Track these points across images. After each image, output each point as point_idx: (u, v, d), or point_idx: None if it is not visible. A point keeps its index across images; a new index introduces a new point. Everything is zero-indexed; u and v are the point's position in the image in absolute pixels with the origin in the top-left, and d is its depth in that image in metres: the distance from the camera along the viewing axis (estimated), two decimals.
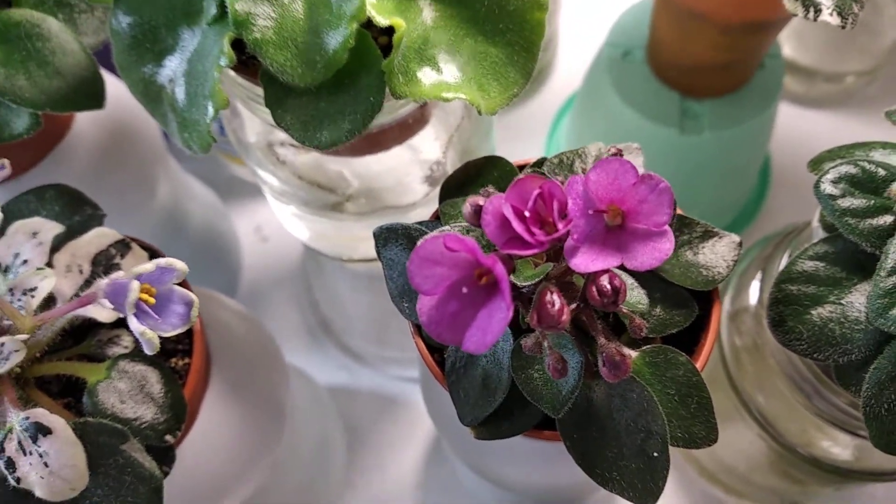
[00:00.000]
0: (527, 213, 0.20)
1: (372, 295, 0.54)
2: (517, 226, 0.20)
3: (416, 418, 0.58)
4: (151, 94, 0.33)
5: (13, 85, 0.34)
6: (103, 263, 0.32)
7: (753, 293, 0.40)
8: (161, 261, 0.26)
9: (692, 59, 0.47)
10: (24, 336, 0.28)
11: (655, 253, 0.21)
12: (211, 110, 0.29)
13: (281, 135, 0.40)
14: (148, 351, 0.25)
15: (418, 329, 0.31)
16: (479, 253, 0.19)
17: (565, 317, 0.20)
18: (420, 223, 0.31)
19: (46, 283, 0.29)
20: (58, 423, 0.28)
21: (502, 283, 0.19)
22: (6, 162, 0.29)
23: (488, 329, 0.20)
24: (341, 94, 0.29)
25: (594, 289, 0.21)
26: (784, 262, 0.38)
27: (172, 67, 0.32)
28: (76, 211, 0.33)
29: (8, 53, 0.34)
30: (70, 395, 0.32)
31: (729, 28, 0.43)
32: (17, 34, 0.35)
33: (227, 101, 0.29)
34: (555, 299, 0.21)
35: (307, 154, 0.42)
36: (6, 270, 0.31)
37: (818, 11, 0.33)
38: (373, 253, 0.44)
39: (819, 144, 0.35)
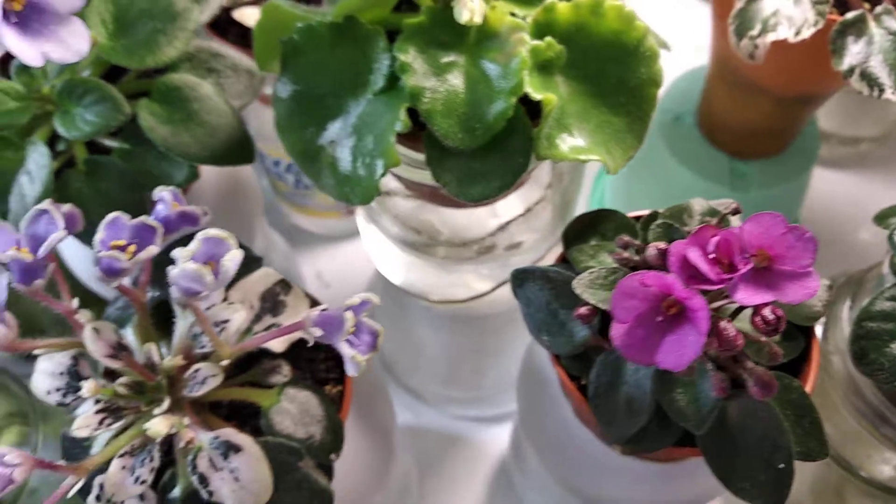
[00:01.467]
0: (711, 256, 0.25)
1: (450, 335, 0.58)
2: (704, 266, 0.25)
3: (478, 456, 0.62)
4: (310, 154, 0.37)
5: (179, 141, 0.38)
6: (270, 300, 0.36)
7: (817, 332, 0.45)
8: (362, 295, 0.30)
9: (743, 125, 0.53)
10: (225, 362, 0.31)
11: (805, 290, 0.26)
12: (381, 168, 0.34)
13: (392, 184, 0.45)
14: (353, 373, 0.29)
15: (557, 359, 0.35)
16: (678, 288, 0.24)
17: (741, 341, 0.25)
18: (553, 266, 0.36)
19: (238, 317, 0.32)
20: (246, 441, 0.32)
21: (700, 312, 0.24)
22: (207, 209, 0.33)
23: (684, 351, 0.24)
24: (493, 155, 0.34)
25: (759, 318, 0.26)
26: (846, 306, 0.43)
27: (335, 131, 0.36)
28: None
29: (171, 113, 0.39)
30: (234, 418, 0.36)
31: (783, 99, 0.49)
32: (178, 96, 0.39)
33: (398, 160, 0.33)
34: (728, 327, 0.25)
35: (408, 202, 0.47)
36: (184, 307, 0.35)
37: (882, 90, 0.39)
38: (461, 295, 0.49)
39: (838, 201, 0.40)
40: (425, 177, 0.39)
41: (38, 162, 0.37)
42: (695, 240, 0.25)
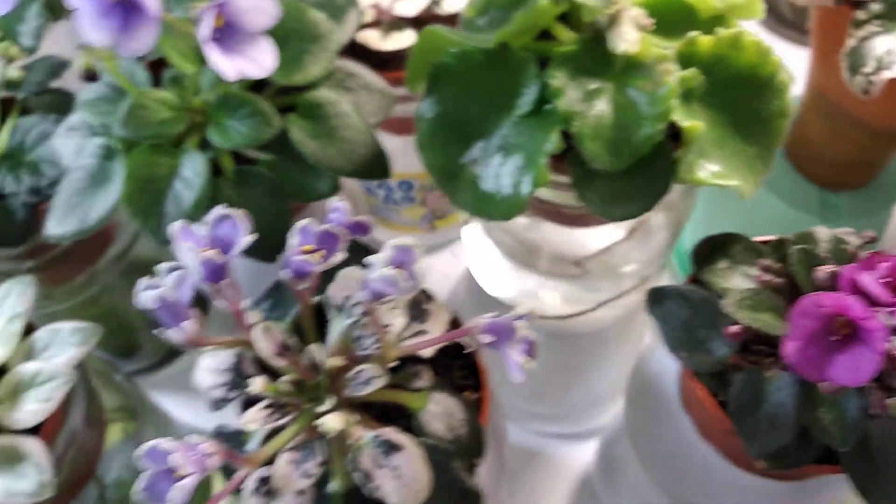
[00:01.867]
0: (882, 280, 0.27)
1: (542, 351, 0.59)
2: (876, 290, 0.26)
3: (559, 472, 0.63)
4: (450, 172, 0.39)
5: (326, 155, 0.40)
6: (416, 308, 0.38)
7: None
8: (525, 308, 0.31)
9: (836, 157, 0.55)
10: (391, 364, 0.33)
11: None
12: (530, 186, 0.36)
13: None
14: (519, 379, 0.31)
15: (694, 375, 0.36)
16: (856, 309, 0.26)
17: None
18: (687, 286, 0.37)
19: (399, 322, 0.34)
20: (406, 441, 0.33)
21: (877, 332, 0.25)
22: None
23: (861, 369, 0.26)
24: (637, 178, 0.36)
25: None
26: None
27: (478, 150, 0.38)
28: None
29: (315, 128, 0.41)
30: (381, 419, 0.37)
31: (881, 133, 0.50)
32: (321, 113, 0.41)
33: (547, 178, 0.35)
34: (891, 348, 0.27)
35: (522, 219, 0.49)
36: (341, 310, 0.36)
37: None
38: (561, 311, 0.50)
39: None
40: (558, 196, 0.41)
41: (193, 169, 0.39)
42: (866, 265, 0.27)
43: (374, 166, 0.41)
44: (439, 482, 0.34)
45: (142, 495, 0.29)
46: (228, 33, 0.31)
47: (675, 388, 0.43)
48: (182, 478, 0.28)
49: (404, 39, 0.52)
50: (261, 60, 0.32)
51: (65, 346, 0.43)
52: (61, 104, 0.52)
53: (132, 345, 0.67)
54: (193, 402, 0.68)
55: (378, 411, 0.37)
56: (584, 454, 0.65)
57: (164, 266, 0.32)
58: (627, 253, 0.48)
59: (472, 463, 0.36)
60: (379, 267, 0.28)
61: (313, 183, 0.41)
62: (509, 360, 0.30)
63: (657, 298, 0.37)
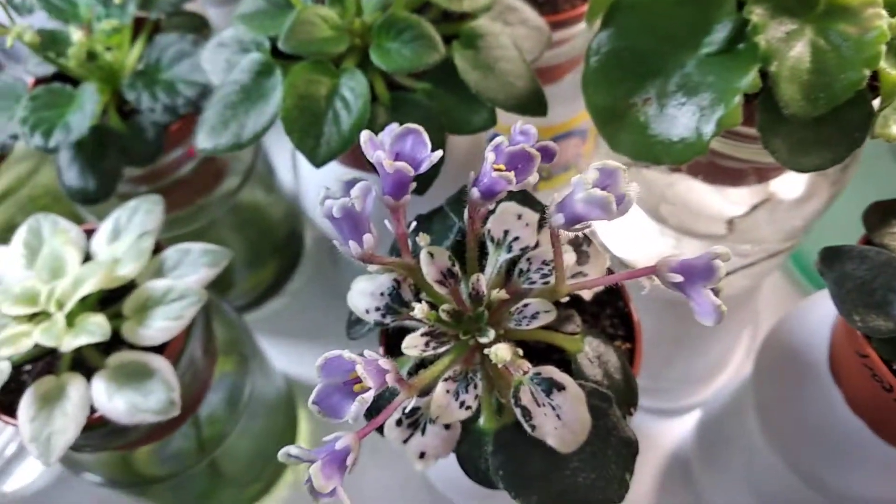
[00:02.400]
0: None
1: (654, 320, 0.57)
2: None
3: (650, 447, 0.61)
4: (615, 111, 0.37)
5: (487, 86, 0.39)
6: (575, 246, 0.36)
7: None
8: (717, 249, 0.29)
9: None
10: (564, 299, 0.31)
11: None
12: (715, 127, 0.34)
13: None
14: (711, 322, 0.29)
15: (868, 340, 0.34)
16: None
17: None
18: (864, 246, 0.35)
19: (569, 257, 0.33)
20: (568, 381, 0.32)
21: None
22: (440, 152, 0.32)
23: None
24: (830, 127, 0.34)
25: None
26: None
27: (653, 88, 0.36)
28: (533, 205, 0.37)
29: (476, 58, 0.39)
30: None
31: None
32: (482, 43, 0.40)
33: (738, 120, 0.33)
34: None
35: (666, 175, 0.47)
36: (498, 244, 0.35)
37: None
38: None
39: None
40: (725, 146, 0.39)
41: (354, 90, 0.37)
42: None
43: (532, 102, 0.40)
44: (597, 427, 0.32)
45: (316, 408, 0.28)
46: None
47: (824, 357, 0.41)
48: (360, 392, 0.27)
49: None
50: None
51: (195, 266, 0.43)
52: (193, 26, 0.51)
53: (227, 284, 0.67)
54: (278, 345, 0.68)
55: (526, 353, 0.36)
56: (676, 430, 0.64)
57: (342, 178, 0.31)
58: (790, 217, 0.46)
59: (627, 411, 0.34)
60: (584, 188, 0.27)
61: (470, 115, 0.39)
62: (702, 302, 0.28)
63: (832, 258, 0.35)
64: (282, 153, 0.69)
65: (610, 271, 0.37)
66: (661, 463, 0.61)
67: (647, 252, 0.50)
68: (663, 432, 0.63)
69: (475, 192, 0.29)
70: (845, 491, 0.41)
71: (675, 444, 0.62)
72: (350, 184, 0.30)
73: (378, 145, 0.30)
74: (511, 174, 0.28)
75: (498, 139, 0.29)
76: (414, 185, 0.30)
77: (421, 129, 0.30)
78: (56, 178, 0.66)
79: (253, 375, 0.54)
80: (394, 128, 0.31)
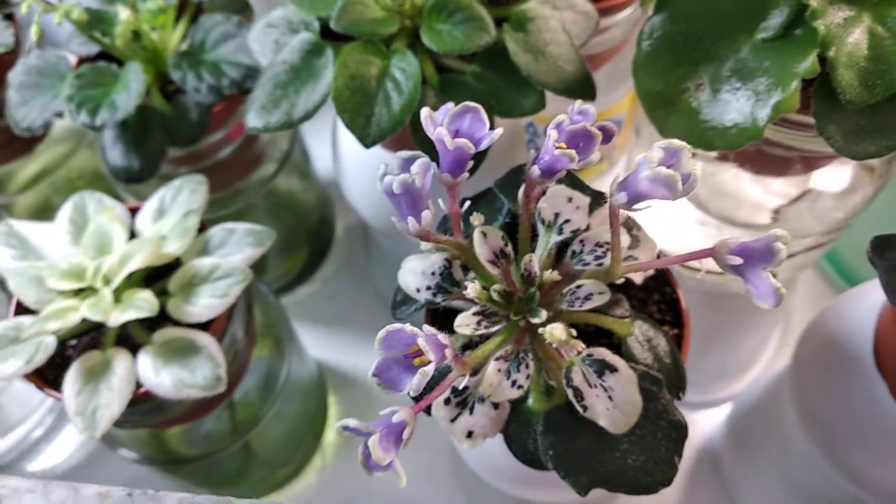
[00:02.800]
0: None
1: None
2: None
3: None
4: (666, 96, 0.37)
5: (538, 69, 0.39)
6: (626, 230, 0.36)
7: None
8: (777, 232, 0.29)
9: None
10: (618, 280, 0.31)
11: None
12: (770, 113, 0.34)
13: None
14: (769, 305, 0.29)
15: None
16: None
17: None
18: None
19: (624, 239, 0.33)
20: (620, 363, 0.32)
21: None
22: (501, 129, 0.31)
23: None
24: (883, 115, 0.34)
25: None
26: None
27: (707, 73, 0.36)
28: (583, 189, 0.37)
29: (526, 41, 0.39)
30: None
31: None
32: (533, 27, 0.40)
33: (795, 105, 0.33)
34: None
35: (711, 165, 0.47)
36: (549, 227, 0.35)
37: None
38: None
39: None
40: (775, 133, 0.39)
41: (404, 71, 0.38)
42: None
43: (582, 86, 0.39)
44: (647, 410, 0.32)
45: (376, 380, 0.28)
46: None
47: (869, 348, 0.40)
48: (419, 365, 0.27)
49: None
50: None
51: (240, 245, 0.43)
52: (236, 7, 0.52)
53: (260, 268, 0.67)
54: (308, 331, 0.68)
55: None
56: (706, 425, 0.63)
57: (401, 155, 0.31)
58: (836, 208, 0.46)
59: (676, 395, 0.34)
60: (649, 166, 0.27)
61: (519, 98, 0.39)
62: (761, 285, 0.28)
63: (883, 246, 0.35)
64: (318, 141, 0.69)
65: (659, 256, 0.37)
66: (690, 456, 0.61)
67: (686, 241, 0.50)
68: (693, 426, 0.63)
69: (535, 170, 0.29)
70: (885, 484, 0.41)
71: (705, 439, 0.62)
72: (409, 161, 0.30)
73: (437, 122, 0.30)
74: (573, 152, 0.28)
75: (560, 117, 0.29)
76: (472, 163, 0.30)
77: (479, 106, 0.30)
78: (92, 160, 0.67)
79: (289, 359, 0.55)
80: (450, 106, 0.31)
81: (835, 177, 0.45)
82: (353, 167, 0.50)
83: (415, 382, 0.26)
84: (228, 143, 0.53)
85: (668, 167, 0.27)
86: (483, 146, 0.29)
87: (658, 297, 0.38)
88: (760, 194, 0.47)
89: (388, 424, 0.28)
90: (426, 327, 0.28)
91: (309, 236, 0.71)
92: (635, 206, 0.28)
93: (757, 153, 0.41)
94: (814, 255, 0.49)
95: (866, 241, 0.36)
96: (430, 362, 0.27)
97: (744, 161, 0.43)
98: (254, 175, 0.58)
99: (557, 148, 0.28)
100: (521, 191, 0.32)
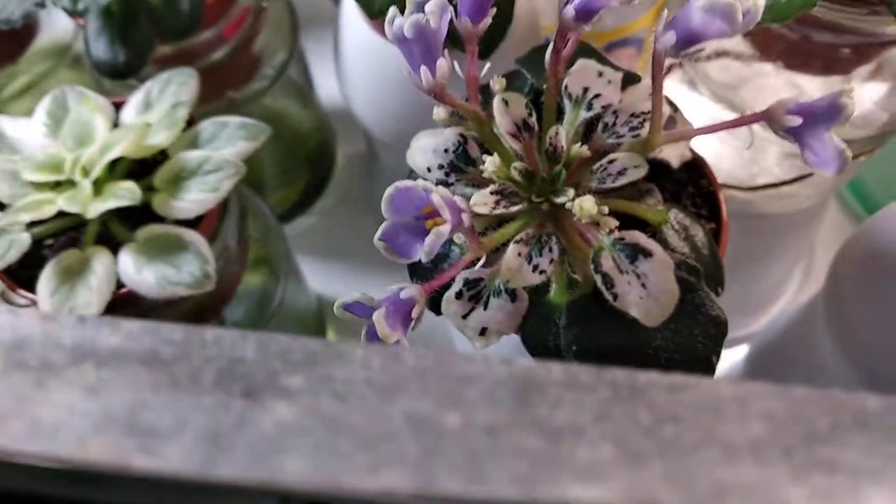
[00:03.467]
0: None
1: None
2: None
3: None
4: None
5: None
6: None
7: None
8: (840, 91, 0.26)
9: None
10: (652, 154, 0.28)
11: None
12: None
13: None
14: (833, 172, 0.25)
15: None
16: None
17: None
18: None
19: (667, 110, 0.29)
20: (656, 248, 0.28)
21: None
22: None
23: None
24: None
25: None
26: None
27: None
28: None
29: None
30: None
31: None
32: None
33: None
34: None
35: (745, 66, 0.43)
36: (577, 102, 0.31)
37: None
38: (756, 180, 0.45)
39: None
40: (827, 12, 0.35)
41: None
42: None
43: None
44: (683, 303, 0.29)
45: (383, 244, 0.24)
46: None
47: None
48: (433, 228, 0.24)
49: None
50: None
51: (233, 139, 0.40)
52: None
53: (258, 193, 0.63)
54: (306, 263, 0.64)
55: None
56: (721, 366, 0.60)
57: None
58: (876, 111, 0.42)
59: (715, 290, 0.31)
60: None
61: None
62: (824, 148, 0.25)
63: None
64: (320, 67, 0.65)
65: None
66: None
67: (719, 149, 0.46)
68: None
69: (569, 10, 0.26)
70: None
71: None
72: (422, 2, 0.26)
73: None
74: None
75: None
76: (494, 9, 0.26)
77: None
78: (76, 79, 0.63)
79: (284, 283, 0.51)
80: None
81: (879, 78, 0.41)
82: (358, 65, 0.46)
83: (427, 244, 0.23)
84: (221, 43, 0.49)
85: None
86: None
87: (693, 189, 0.35)
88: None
89: (396, 300, 0.25)
90: (440, 188, 0.24)
91: (307, 163, 0.67)
92: (686, 51, 0.25)
93: (802, 41, 0.38)
94: (853, 167, 0.46)
95: (890, 171, 0.33)
96: (445, 223, 0.23)
97: (786, 54, 0.39)
98: (248, 86, 0.54)
99: None
100: (548, 50, 0.28)
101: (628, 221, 0.32)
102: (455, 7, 0.26)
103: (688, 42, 0.24)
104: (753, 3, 0.23)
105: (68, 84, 0.60)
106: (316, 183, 0.68)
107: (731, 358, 0.60)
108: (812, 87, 0.43)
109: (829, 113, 0.25)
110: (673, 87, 0.46)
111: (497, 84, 0.29)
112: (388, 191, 0.24)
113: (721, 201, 0.34)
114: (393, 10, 0.26)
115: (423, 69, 0.26)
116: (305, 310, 0.58)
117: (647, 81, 0.33)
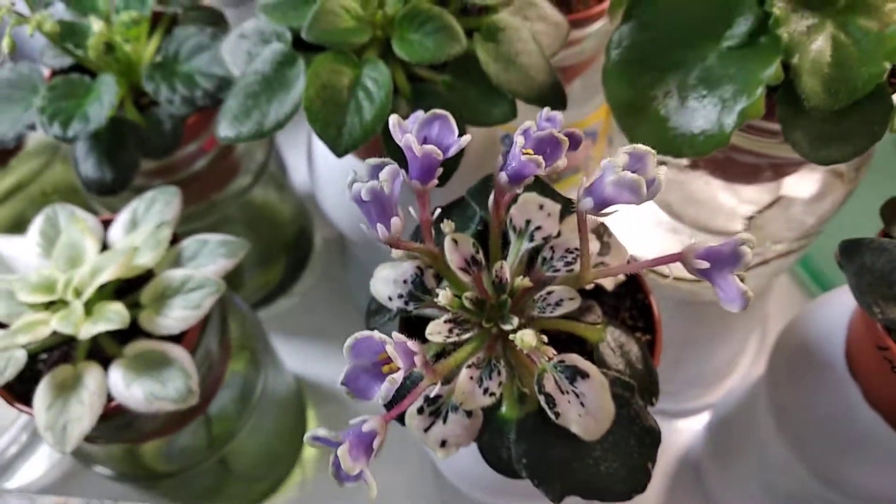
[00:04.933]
0: None
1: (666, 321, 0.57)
2: None
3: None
4: (636, 104, 0.37)
5: (508, 79, 0.39)
6: (597, 237, 0.36)
7: None
8: (743, 236, 0.29)
9: None
10: (588, 287, 0.31)
11: None
12: (736, 119, 0.34)
13: None
14: (737, 309, 0.29)
15: (888, 332, 0.35)
16: None
17: None
18: (884, 238, 0.35)
19: (594, 246, 0.33)
20: (592, 369, 0.32)
21: None
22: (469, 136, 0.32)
23: None
24: (850, 120, 0.34)
25: None
26: None
27: (674, 80, 0.36)
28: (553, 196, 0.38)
29: (497, 51, 0.39)
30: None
31: None
32: (503, 37, 0.40)
33: (760, 111, 0.34)
34: None
35: (680, 173, 0.47)
36: (520, 234, 0.35)
37: None
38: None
39: None
40: (742, 140, 0.39)
41: (376, 81, 0.38)
42: None
43: (553, 95, 0.40)
44: (619, 416, 0.32)
45: (345, 388, 0.28)
46: None
47: (841, 352, 0.41)
48: (388, 373, 0.27)
49: None
50: None
51: (213, 256, 0.43)
52: (210, 20, 0.52)
53: (237, 282, 0.67)
54: (286, 344, 0.67)
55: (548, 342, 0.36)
56: (685, 434, 0.64)
57: (370, 162, 0.31)
58: (806, 213, 0.46)
59: (649, 401, 0.34)
60: (614, 171, 0.27)
61: (490, 107, 0.39)
62: (729, 288, 0.29)
63: (851, 250, 0.35)
64: (294, 152, 0.69)
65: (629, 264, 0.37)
66: (670, 465, 0.61)
67: (660, 248, 0.50)
68: (672, 435, 0.63)
69: (503, 177, 0.30)
70: (860, 486, 0.41)
71: (685, 447, 0.62)
72: (377, 167, 0.30)
73: (406, 130, 0.30)
74: (539, 158, 0.28)
75: (527, 123, 0.29)
76: (441, 170, 0.30)
77: (448, 114, 0.30)
78: (67, 174, 0.66)
79: (265, 372, 0.54)
80: (420, 114, 0.31)
81: (805, 183, 0.45)
82: (328, 177, 0.50)
83: (383, 390, 0.26)
84: (203, 154, 0.53)
85: (634, 171, 0.27)
86: (451, 153, 0.29)
87: (630, 303, 0.38)
88: (732, 201, 0.48)
89: (359, 434, 0.28)
90: (395, 334, 0.28)
91: (286, 249, 0.70)
92: (603, 212, 0.28)
93: (727, 160, 0.42)
94: (787, 261, 0.50)
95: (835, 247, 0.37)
96: (398, 370, 0.27)
97: (714, 168, 0.44)
98: (229, 187, 0.58)
99: (524, 154, 0.28)
100: (490, 198, 0.32)
101: (571, 337, 0.36)
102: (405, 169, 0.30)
103: (603, 205, 0.28)
104: (657, 175, 0.27)
105: (61, 180, 0.64)
106: (295, 265, 0.72)
107: (693, 427, 0.64)
108: (748, 191, 0.47)
109: (731, 258, 0.28)
110: None
111: (447, 227, 0.33)
112: (349, 341, 0.27)
113: (656, 313, 0.37)
114: (351, 174, 0.30)
115: (380, 226, 0.29)
116: (287, 395, 0.61)
117: None
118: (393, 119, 0.30)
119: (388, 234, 0.29)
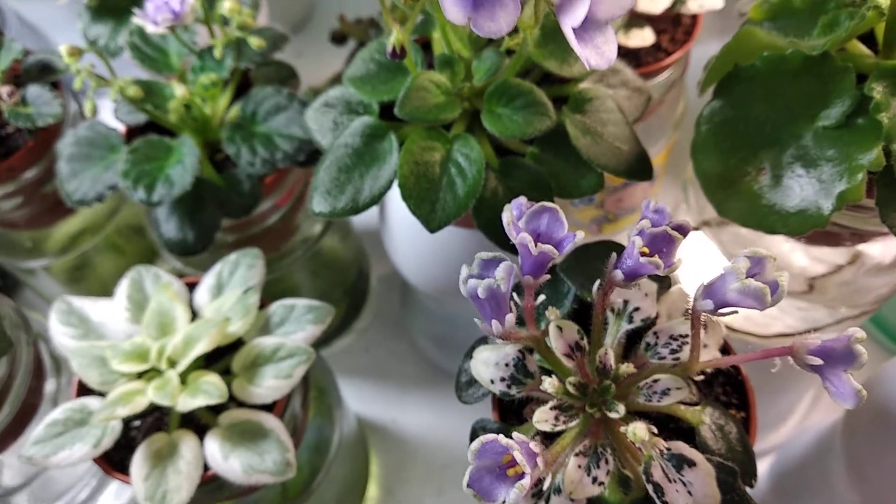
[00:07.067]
0: None
1: None
2: None
3: None
4: (727, 180, 0.38)
5: (598, 151, 0.39)
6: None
7: None
8: (854, 331, 0.30)
9: None
10: (696, 377, 0.32)
11: None
12: (836, 202, 0.34)
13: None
14: (851, 405, 0.29)
15: None
16: None
17: None
18: None
19: (685, 327, 0.33)
20: (699, 457, 0.32)
21: None
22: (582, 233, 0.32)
23: None
24: None
25: None
26: None
27: (768, 158, 0.37)
28: None
29: (584, 124, 0.40)
30: None
31: None
32: (589, 107, 0.40)
33: (861, 196, 0.34)
34: None
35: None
36: (619, 315, 0.35)
37: None
38: (772, 329, 0.48)
39: None
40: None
41: (468, 157, 0.38)
42: None
43: (640, 166, 0.40)
44: (724, 502, 0.32)
45: (471, 491, 0.28)
46: (584, 21, 0.30)
47: None
48: (513, 476, 0.27)
49: (646, 37, 0.51)
50: (605, 51, 0.31)
51: (301, 322, 0.43)
52: (281, 76, 0.52)
53: None
54: (344, 384, 0.68)
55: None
56: None
57: (482, 256, 0.31)
58: (859, 279, 0.46)
59: (749, 484, 0.34)
60: (737, 277, 0.27)
61: (578, 179, 0.39)
62: (842, 385, 0.29)
63: None
64: None
65: (726, 343, 0.38)
66: None
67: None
68: None
69: (618, 274, 0.30)
70: None
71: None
72: (489, 263, 0.31)
73: (519, 227, 0.30)
74: (658, 260, 0.29)
75: (642, 223, 0.29)
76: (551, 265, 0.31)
77: (557, 207, 0.31)
78: (131, 217, 0.67)
79: (340, 423, 0.55)
80: (523, 202, 0.31)
81: (881, 249, 0.45)
82: (402, 231, 0.50)
83: (512, 497, 0.27)
84: (277, 210, 0.53)
85: (754, 276, 0.28)
86: (565, 250, 0.30)
87: (723, 378, 0.39)
88: (801, 260, 0.48)
89: None
90: (516, 435, 0.28)
91: (347, 290, 0.71)
92: (720, 311, 0.29)
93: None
94: (855, 322, 0.50)
95: None
96: (524, 474, 0.27)
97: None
98: (298, 237, 0.58)
99: (642, 255, 0.29)
100: (595, 287, 0.32)
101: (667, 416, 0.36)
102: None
103: (722, 307, 0.28)
104: (778, 280, 0.27)
105: (125, 225, 0.65)
106: (354, 305, 0.72)
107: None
108: (820, 251, 0.47)
109: (845, 357, 0.29)
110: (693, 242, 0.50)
111: (552, 314, 0.33)
112: (475, 444, 0.28)
113: (751, 391, 0.37)
114: (465, 270, 0.30)
115: (495, 322, 0.30)
116: (352, 439, 0.62)
117: (677, 287, 0.37)
118: (506, 217, 0.30)
119: (503, 329, 0.30)
